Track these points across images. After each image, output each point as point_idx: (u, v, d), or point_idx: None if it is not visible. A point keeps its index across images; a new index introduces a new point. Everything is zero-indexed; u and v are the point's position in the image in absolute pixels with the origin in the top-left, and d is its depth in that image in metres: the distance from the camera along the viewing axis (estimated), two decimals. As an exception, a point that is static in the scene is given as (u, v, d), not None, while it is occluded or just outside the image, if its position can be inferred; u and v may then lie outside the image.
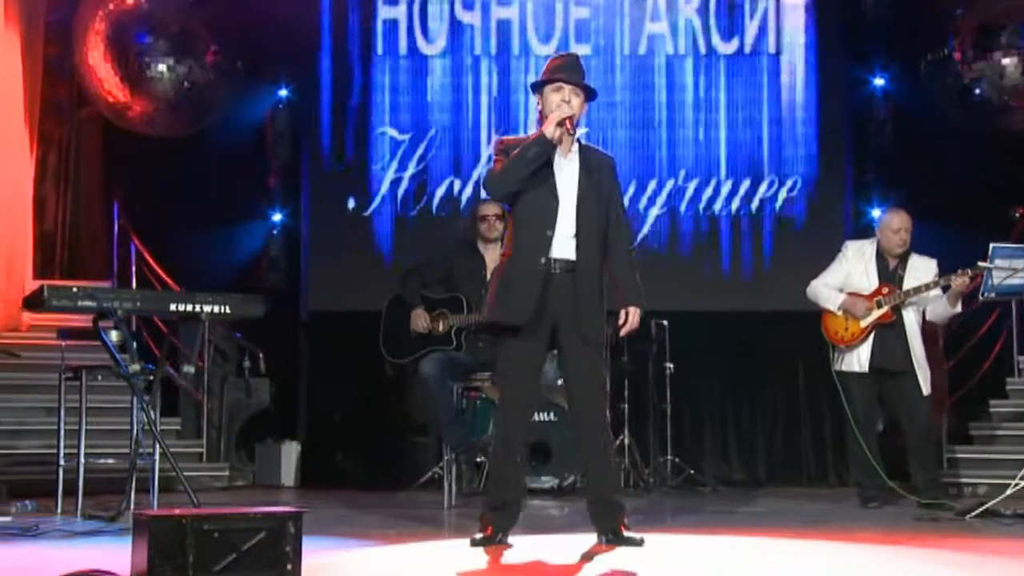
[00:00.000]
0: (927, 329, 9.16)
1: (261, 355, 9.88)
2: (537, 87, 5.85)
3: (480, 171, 10.18)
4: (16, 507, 7.47)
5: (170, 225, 10.40)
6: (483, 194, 7.73)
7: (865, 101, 10.65)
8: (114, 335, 7.09)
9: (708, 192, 10.44)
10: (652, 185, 10.45)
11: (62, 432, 7.49)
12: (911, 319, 7.91)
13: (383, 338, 8.09)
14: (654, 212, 10.43)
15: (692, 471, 9.67)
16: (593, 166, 5.78)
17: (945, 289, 7.75)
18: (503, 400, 5.83)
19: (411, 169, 10.46)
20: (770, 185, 10.44)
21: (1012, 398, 9.78)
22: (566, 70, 5.78)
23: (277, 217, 10.73)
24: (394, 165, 10.47)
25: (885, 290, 7.87)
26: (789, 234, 10.38)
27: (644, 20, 10.55)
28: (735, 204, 10.42)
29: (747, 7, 10.53)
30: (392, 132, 10.49)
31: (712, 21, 10.55)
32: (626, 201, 9.97)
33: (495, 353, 5.98)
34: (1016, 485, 7.28)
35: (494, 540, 5.63)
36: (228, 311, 7.13)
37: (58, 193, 11.28)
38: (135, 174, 10.66)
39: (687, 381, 9.95)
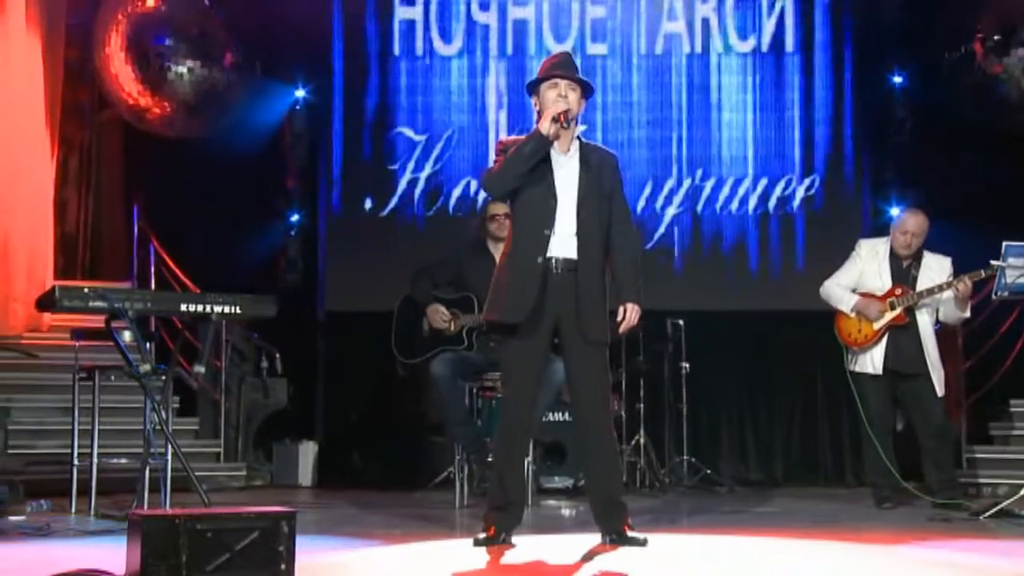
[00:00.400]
0: (947, 328, 9.15)
1: (278, 355, 9.92)
2: (532, 87, 5.85)
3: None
4: (31, 506, 7.51)
5: (188, 226, 10.44)
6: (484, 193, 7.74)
7: (883, 99, 10.59)
8: (127, 335, 7.14)
9: (725, 191, 10.40)
10: (669, 184, 10.43)
11: (76, 432, 7.55)
12: (925, 320, 7.86)
13: (395, 339, 8.10)
14: (671, 212, 10.40)
15: (708, 471, 9.65)
16: (593, 164, 5.78)
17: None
18: (505, 400, 5.85)
19: (428, 169, 10.48)
20: (788, 184, 10.40)
21: (1033, 398, 9.71)
22: (561, 67, 5.79)
23: (294, 218, 10.77)
24: (411, 165, 10.49)
25: (898, 291, 7.82)
26: (807, 233, 10.33)
27: (661, 19, 10.53)
28: (752, 203, 10.39)
29: (764, 5, 10.50)
30: (409, 132, 10.51)
31: (729, 19, 10.52)
32: (643, 201, 10.16)
33: (506, 353, 5.99)
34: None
35: (497, 540, 5.66)
36: (239, 311, 7.14)
37: (79, 195, 11.37)
38: (154, 176, 10.72)
39: (704, 381, 9.93)
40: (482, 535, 5.68)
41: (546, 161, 5.70)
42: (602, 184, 5.77)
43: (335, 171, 10.63)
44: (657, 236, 10.37)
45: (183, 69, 10.17)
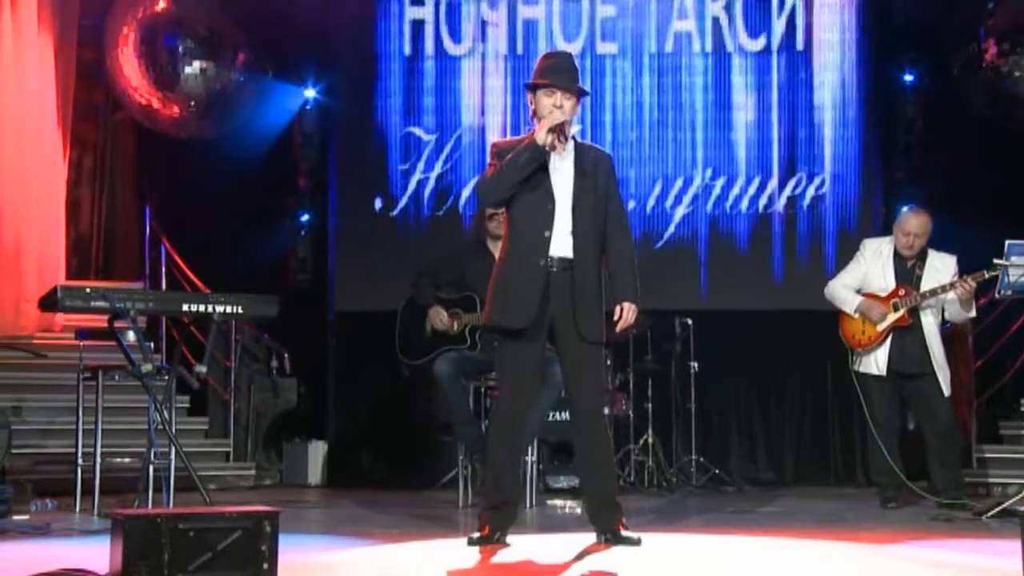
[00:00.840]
0: (956, 328, 9.12)
1: (286, 355, 9.95)
2: (530, 87, 5.84)
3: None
4: (36, 506, 7.56)
5: (200, 226, 10.47)
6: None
7: (894, 98, 10.55)
8: (130, 335, 7.18)
9: (735, 191, 10.38)
10: (679, 184, 10.40)
11: (80, 431, 7.58)
12: (929, 320, 7.82)
13: (399, 341, 8.12)
14: (680, 211, 10.38)
15: (717, 471, 9.63)
16: (588, 164, 5.78)
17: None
18: (501, 400, 5.85)
19: (437, 169, 10.49)
20: (798, 183, 10.37)
21: (1044, 397, 9.66)
22: (559, 73, 5.78)
23: (304, 218, 10.81)
24: (421, 165, 10.50)
25: (902, 292, 7.79)
26: (817, 232, 10.30)
27: (671, 18, 10.50)
28: (762, 202, 10.36)
29: (774, 4, 10.46)
30: (419, 132, 10.52)
31: (739, 19, 10.48)
32: (652, 200, 10.14)
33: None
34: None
35: (492, 539, 5.67)
36: (241, 311, 7.19)
37: (93, 195, 11.44)
38: (166, 176, 10.78)
39: (713, 380, 9.92)
40: (476, 534, 5.69)
41: (542, 164, 5.70)
42: (597, 184, 5.77)
43: (345, 171, 10.64)
44: (667, 235, 10.35)
45: (193, 69, 10.21)
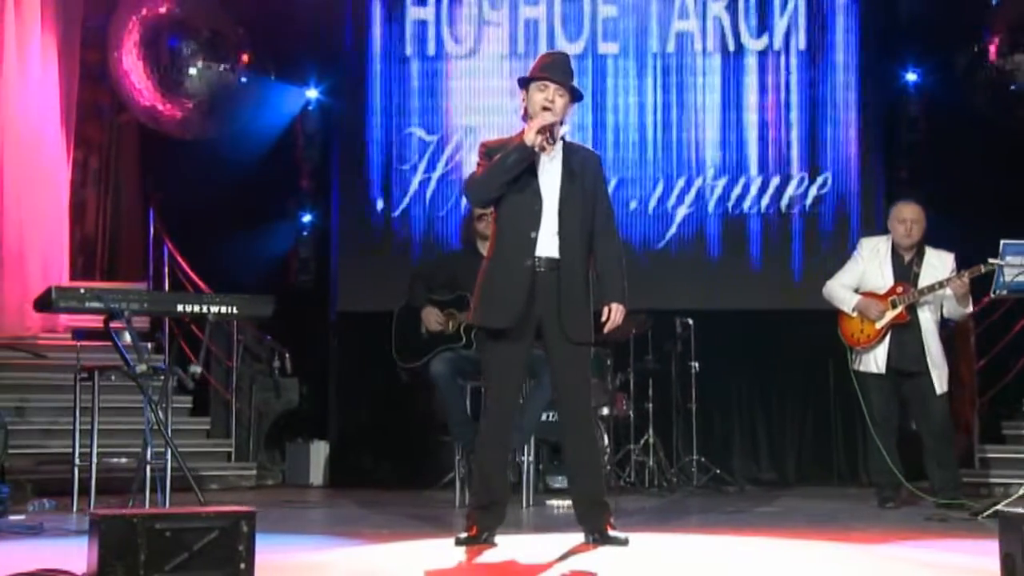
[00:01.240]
0: (960, 327, 9.08)
1: (287, 355, 9.97)
2: (523, 83, 5.84)
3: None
4: (33, 506, 7.59)
5: (203, 227, 10.48)
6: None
7: (897, 97, 10.53)
8: (127, 336, 7.20)
9: (737, 190, 10.36)
10: (680, 184, 10.39)
11: (77, 432, 7.61)
12: (927, 317, 7.80)
13: (395, 345, 8.14)
14: (682, 211, 10.37)
15: (718, 471, 9.61)
16: (576, 164, 5.77)
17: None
18: (489, 400, 5.83)
19: (439, 170, 10.50)
20: (800, 183, 10.34)
21: (1047, 397, 9.62)
22: (553, 69, 5.78)
23: (307, 218, 10.83)
24: (422, 166, 10.51)
25: (899, 289, 7.77)
26: (820, 232, 10.27)
27: (672, 18, 10.49)
28: (764, 202, 10.34)
29: (777, 4, 10.44)
30: (420, 133, 10.52)
31: (741, 18, 10.46)
32: (654, 200, 10.13)
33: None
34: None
35: (479, 539, 5.66)
36: (235, 311, 7.20)
37: (98, 196, 11.48)
38: (170, 177, 10.80)
39: (714, 380, 9.91)
40: (464, 534, 5.69)
41: (530, 165, 5.70)
42: (585, 184, 5.77)
43: (347, 172, 10.65)
44: (668, 235, 10.34)
45: (196, 70, 10.24)
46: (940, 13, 10.19)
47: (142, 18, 10.26)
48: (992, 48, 9.82)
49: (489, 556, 5.39)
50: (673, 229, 10.35)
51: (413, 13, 10.61)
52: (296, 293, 10.61)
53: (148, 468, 7.11)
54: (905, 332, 7.80)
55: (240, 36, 10.41)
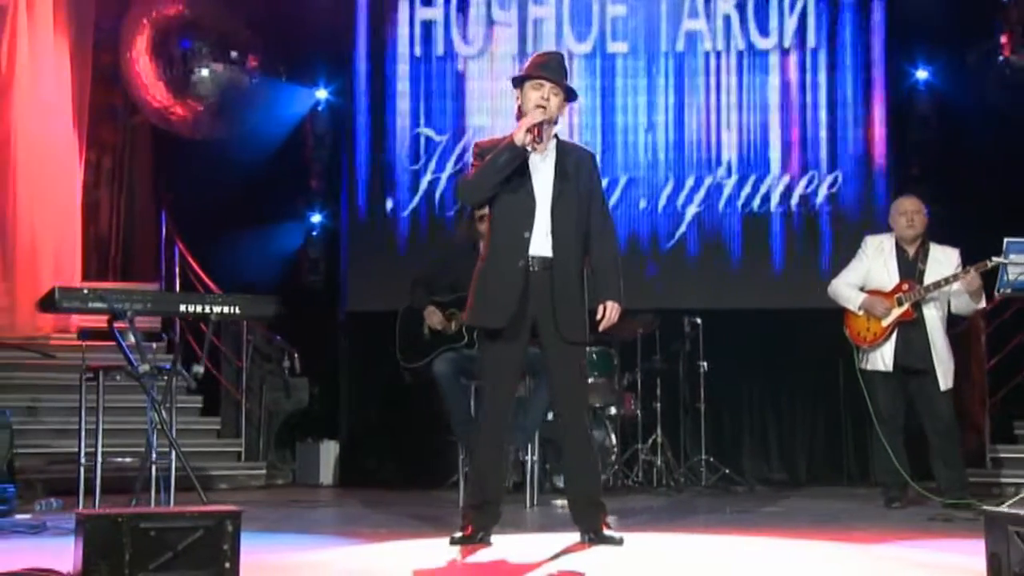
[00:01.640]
0: (971, 325, 9.04)
1: (296, 355, 10.00)
2: (518, 82, 5.85)
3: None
4: (40, 505, 7.64)
5: (214, 227, 10.54)
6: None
7: (908, 94, 10.48)
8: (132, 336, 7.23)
9: (746, 189, 10.34)
10: (690, 183, 10.38)
11: (83, 431, 7.63)
12: (932, 314, 7.75)
13: (398, 345, 8.16)
14: (691, 210, 10.36)
15: (727, 471, 9.58)
16: (570, 164, 5.77)
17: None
18: (484, 400, 5.85)
19: (449, 170, 10.51)
20: (810, 181, 10.31)
21: (1059, 396, 9.56)
22: (548, 68, 5.78)
23: (316, 219, 10.86)
24: (432, 166, 10.53)
25: (905, 286, 7.73)
26: (829, 231, 10.24)
27: (682, 16, 10.48)
28: (774, 201, 10.32)
29: (787, 2, 10.41)
30: (429, 133, 10.54)
31: (751, 17, 10.44)
32: (663, 199, 10.11)
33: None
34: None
35: (474, 539, 5.67)
36: (238, 311, 7.18)
37: (112, 197, 11.57)
38: (182, 177, 10.86)
39: (724, 380, 9.89)
40: (458, 534, 5.71)
41: (523, 163, 5.70)
42: (579, 183, 5.76)
43: (357, 172, 10.67)
44: (678, 235, 10.32)
45: (206, 71, 10.28)
46: (950, 10, 10.13)
47: (153, 20, 10.32)
48: (1004, 44, 9.76)
49: (481, 556, 5.40)
50: (682, 228, 10.34)
51: (422, 13, 10.63)
52: (306, 293, 10.66)
53: (153, 468, 7.14)
54: (911, 330, 7.76)
55: (250, 37, 10.46)
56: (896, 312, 7.74)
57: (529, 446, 7.94)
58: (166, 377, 7.23)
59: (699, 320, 9.60)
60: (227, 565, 4.30)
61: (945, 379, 7.73)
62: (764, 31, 10.43)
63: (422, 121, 10.58)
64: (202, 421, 10.06)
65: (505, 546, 5.66)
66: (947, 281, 7.61)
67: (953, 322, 8.28)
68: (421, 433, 10.12)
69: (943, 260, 7.78)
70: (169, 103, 10.31)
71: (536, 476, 8.10)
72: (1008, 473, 9.20)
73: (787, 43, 10.42)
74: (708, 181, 10.38)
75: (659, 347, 9.65)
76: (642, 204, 10.34)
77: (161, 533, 4.24)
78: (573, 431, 5.78)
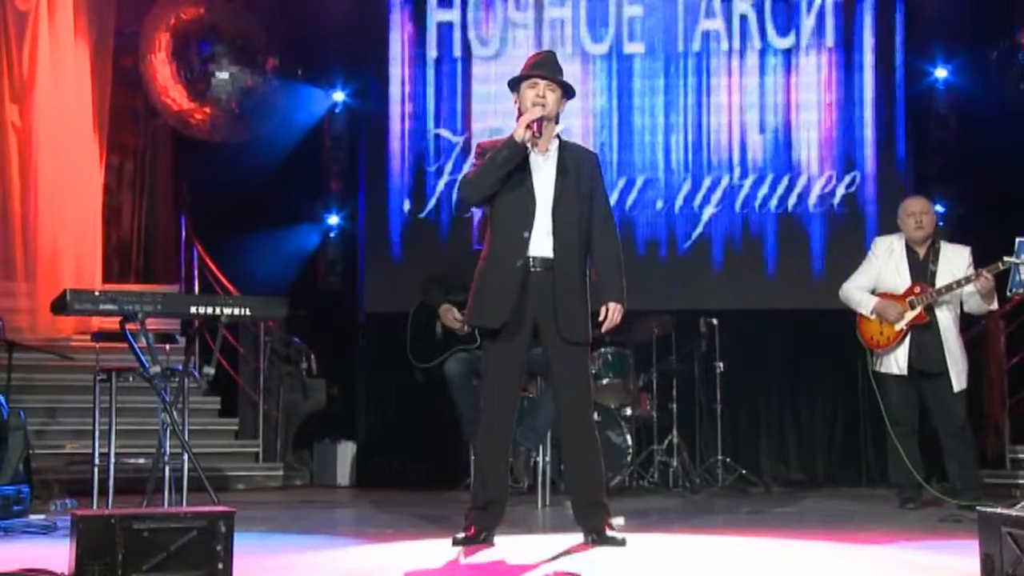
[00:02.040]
0: (990, 326, 8.98)
1: (312, 356, 10.04)
2: (514, 84, 5.86)
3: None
4: (55, 505, 7.69)
5: (233, 229, 10.61)
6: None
7: (927, 94, 10.43)
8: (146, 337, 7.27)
9: (764, 190, 10.31)
10: (707, 183, 10.36)
11: (97, 432, 7.67)
12: (945, 316, 7.70)
13: (410, 345, 8.19)
14: (709, 211, 10.33)
15: (743, 471, 9.56)
16: (571, 164, 5.77)
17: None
18: (487, 401, 5.84)
19: (465, 171, 10.47)
20: (828, 181, 10.27)
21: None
22: (542, 66, 5.79)
23: (334, 220, 10.89)
24: (448, 167, 10.55)
25: (917, 289, 7.68)
26: (846, 231, 10.19)
27: (698, 16, 10.47)
28: (791, 201, 10.28)
29: (804, 1, 10.38)
30: (446, 134, 10.56)
31: (768, 16, 10.41)
32: (680, 200, 10.09)
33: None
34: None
35: (477, 539, 5.68)
36: (248, 313, 7.24)
37: (134, 200, 11.67)
38: (201, 180, 10.92)
39: (741, 381, 9.88)
40: (461, 534, 5.71)
41: (524, 163, 5.71)
42: (580, 184, 5.76)
43: (374, 173, 10.69)
44: (695, 235, 10.30)
45: (225, 74, 10.35)
46: (969, 8, 10.09)
47: (172, 24, 10.39)
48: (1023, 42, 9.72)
49: (481, 556, 5.40)
50: (699, 229, 10.32)
51: (438, 15, 10.64)
52: (324, 295, 10.72)
53: (167, 469, 7.18)
54: (925, 333, 7.71)
55: (268, 40, 10.50)
56: (909, 315, 7.69)
57: (540, 447, 7.94)
58: (176, 378, 7.29)
59: (715, 321, 9.57)
60: (220, 566, 4.32)
61: (959, 380, 7.67)
62: (781, 30, 10.40)
63: (439, 122, 10.59)
64: (220, 422, 10.13)
65: (507, 547, 5.66)
66: (959, 284, 7.56)
67: (972, 323, 8.25)
68: (439, 434, 10.12)
69: (954, 258, 7.72)
70: (188, 106, 10.37)
71: (548, 477, 8.10)
72: (1029, 475, 9.15)
73: (804, 42, 10.39)
74: (725, 182, 10.35)
75: (674, 348, 9.63)
76: (659, 205, 10.33)
77: (154, 534, 4.26)
78: (575, 431, 5.78)
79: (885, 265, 7.86)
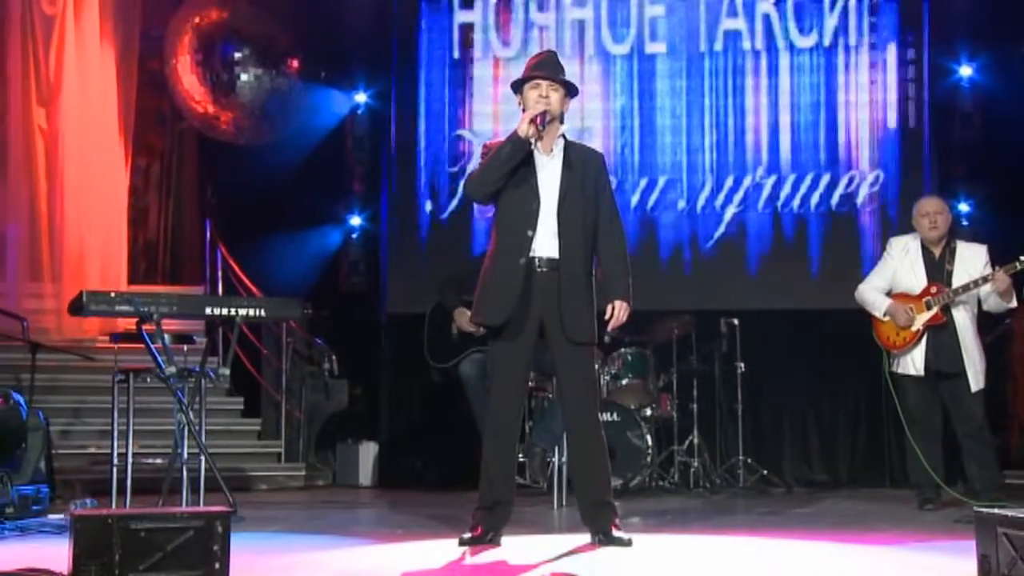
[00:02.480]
0: (1016, 326, 8.91)
1: (334, 357, 10.08)
2: (517, 87, 5.87)
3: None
4: (75, 505, 7.73)
5: (256, 230, 10.67)
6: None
7: (952, 92, 10.35)
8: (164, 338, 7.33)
9: (786, 189, 10.27)
10: (728, 183, 10.33)
11: (115, 432, 7.73)
12: (962, 316, 7.64)
13: (427, 346, 8.22)
14: (731, 210, 10.30)
15: (765, 472, 9.52)
16: (576, 163, 5.78)
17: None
18: (493, 400, 5.85)
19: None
20: (851, 181, 10.21)
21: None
22: (543, 67, 5.82)
23: (356, 221, 10.92)
24: (470, 168, 10.52)
25: (933, 289, 7.63)
26: (870, 230, 10.14)
27: (720, 16, 10.44)
28: (814, 200, 10.24)
29: (826, 0, 10.33)
30: (468, 135, 10.56)
31: (790, 15, 10.37)
32: (702, 199, 10.06)
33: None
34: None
35: (483, 540, 5.68)
36: (263, 314, 7.30)
37: (160, 202, 11.76)
38: (226, 182, 10.99)
39: (763, 381, 9.85)
40: (468, 535, 5.72)
41: (529, 162, 5.73)
42: (585, 183, 5.77)
43: (396, 174, 10.72)
44: (717, 236, 10.27)
45: (249, 77, 10.40)
46: (993, 5, 10.00)
47: (196, 27, 10.45)
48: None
49: (484, 556, 5.40)
50: (722, 229, 10.29)
51: (460, 16, 10.66)
52: (346, 295, 10.76)
53: (184, 469, 7.24)
54: (941, 333, 7.66)
55: (291, 42, 10.55)
56: (925, 316, 7.64)
57: (556, 448, 7.95)
58: (193, 379, 7.35)
59: (736, 321, 9.53)
60: (217, 565, 4.35)
61: (976, 380, 7.62)
62: (804, 30, 10.35)
63: (461, 124, 10.60)
64: (243, 422, 10.20)
65: (513, 547, 5.66)
66: (976, 284, 7.51)
67: (996, 322, 8.19)
68: (461, 434, 10.08)
69: (970, 257, 7.67)
70: (212, 109, 10.42)
71: (564, 478, 8.10)
72: (1053, 476, 9.08)
73: (827, 41, 10.34)
74: (747, 181, 10.32)
75: (695, 348, 9.61)
76: (681, 205, 10.31)
77: (151, 534, 4.30)
78: (581, 431, 5.79)
79: (901, 264, 7.82)
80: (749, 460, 9.55)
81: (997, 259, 7.54)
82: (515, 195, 5.71)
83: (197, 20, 10.44)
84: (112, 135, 10.55)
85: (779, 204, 10.27)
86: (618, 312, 5.77)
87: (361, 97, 10.97)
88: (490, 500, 5.77)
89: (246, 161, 10.68)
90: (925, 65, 10.26)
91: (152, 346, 7.16)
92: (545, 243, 5.68)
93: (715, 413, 9.76)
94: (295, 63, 10.52)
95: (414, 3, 10.71)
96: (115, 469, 7.70)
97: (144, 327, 7.11)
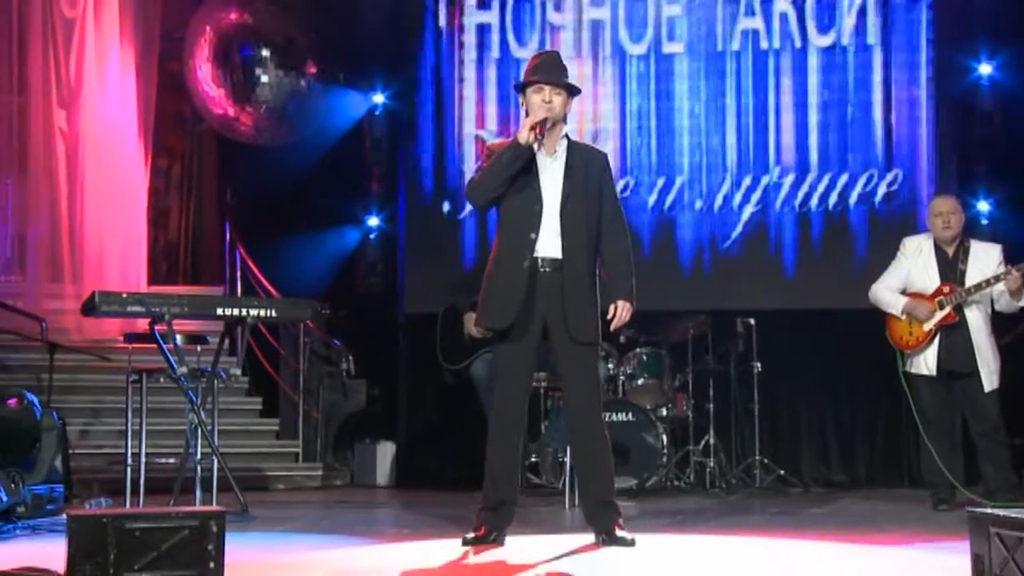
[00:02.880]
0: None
1: (351, 357, 10.11)
2: (520, 89, 5.88)
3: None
4: (90, 504, 7.79)
5: (275, 231, 10.70)
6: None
7: (971, 90, 10.26)
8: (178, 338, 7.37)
9: (804, 188, 10.20)
10: (747, 182, 10.26)
11: (129, 431, 7.78)
12: (975, 316, 7.62)
13: (439, 347, 8.24)
14: (748, 210, 10.24)
15: (782, 472, 9.48)
16: (579, 164, 5.78)
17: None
18: (497, 400, 5.88)
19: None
20: (869, 180, 10.15)
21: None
22: (545, 70, 5.81)
23: (374, 221, 10.93)
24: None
25: (946, 289, 7.60)
26: (889, 230, 10.03)
27: (738, 15, 10.37)
28: (832, 199, 10.16)
29: (845, -2, 10.29)
30: (485, 135, 10.55)
31: (808, 14, 10.31)
32: (720, 199, 10.04)
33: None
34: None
35: (487, 539, 5.70)
36: (274, 314, 7.36)
37: (181, 203, 11.82)
38: (245, 183, 11.03)
39: (780, 381, 9.80)
40: (471, 534, 5.74)
41: (531, 164, 5.73)
42: (587, 184, 5.77)
43: (414, 175, 10.71)
44: (735, 235, 10.23)
45: (268, 78, 10.43)
46: (1012, 3, 9.92)
47: (214, 28, 10.49)
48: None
49: (485, 556, 5.42)
50: (739, 228, 10.24)
51: (477, 17, 10.64)
52: (364, 295, 10.78)
53: (198, 468, 7.29)
54: (954, 333, 7.64)
55: (309, 43, 10.57)
56: (938, 315, 7.62)
57: (568, 448, 7.95)
58: (205, 379, 7.39)
59: (752, 321, 9.50)
60: (211, 565, 4.37)
61: (990, 380, 7.59)
62: (822, 29, 10.29)
63: (479, 124, 10.59)
64: (261, 423, 10.25)
65: (516, 547, 5.67)
66: (988, 283, 7.49)
67: (1013, 323, 8.13)
68: (478, 435, 10.05)
69: (983, 257, 7.64)
70: (231, 110, 10.46)
71: (575, 478, 8.08)
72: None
73: (845, 40, 10.27)
74: (765, 181, 10.26)
75: (711, 348, 9.58)
76: (698, 205, 10.28)
77: (146, 533, 4.31)
78: (584, 431, 5.80)
79: (914, 264, 7.80)
80: (766, 460, 9.52)
81: (1016, 258, 7.50)
82: (517, 198, 5.72)
83: (216, 22, 10.46)
84: (132, 137, 10.61)
85: (797, 204, 10.21)
86: (620, 312, 5.78)
87: (379, 98, 10.96)
88: (494, 500, 5.79)
89: (265, 162, 10.70)
90: (945, 63, 10.17)
91: (164, 346, 7.22)
92: (548, 244, 5.69)
93: (731, 413, 9.73)
94: (313, 65, 10.53)
95: (432, 4, 10.69)
96: (129, 469, 7.78)
97: (156, 327, 7.19)
